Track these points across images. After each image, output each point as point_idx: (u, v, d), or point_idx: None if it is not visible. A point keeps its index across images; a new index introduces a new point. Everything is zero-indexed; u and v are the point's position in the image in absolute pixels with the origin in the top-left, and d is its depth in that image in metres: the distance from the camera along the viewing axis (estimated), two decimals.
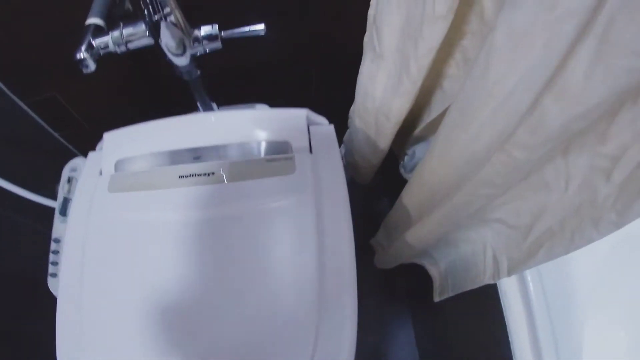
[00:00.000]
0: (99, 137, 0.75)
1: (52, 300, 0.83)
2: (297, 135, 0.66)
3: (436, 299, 0.77)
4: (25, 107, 0.88)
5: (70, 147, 1.06)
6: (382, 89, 0.59)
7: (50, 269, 0.79)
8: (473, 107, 0.41)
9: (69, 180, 0.82)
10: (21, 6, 0.67)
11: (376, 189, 0.98)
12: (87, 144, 0.77)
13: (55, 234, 0.79)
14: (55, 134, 1.02)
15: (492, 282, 0.60)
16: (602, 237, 0.41)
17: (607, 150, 0.39)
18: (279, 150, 0.67)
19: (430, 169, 0.53)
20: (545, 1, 0.32)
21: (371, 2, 0.55)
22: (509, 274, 0.56)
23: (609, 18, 0.29)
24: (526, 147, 0.37)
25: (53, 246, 0.79)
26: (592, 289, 0.72)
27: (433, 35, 0.46)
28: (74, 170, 0.83)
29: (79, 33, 0.61)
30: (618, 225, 0.39)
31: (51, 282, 0.78)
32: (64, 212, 0.80)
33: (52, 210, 0.87)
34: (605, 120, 0.38)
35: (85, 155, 0.75)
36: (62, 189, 0.82)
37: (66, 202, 0.80)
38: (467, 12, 0.52)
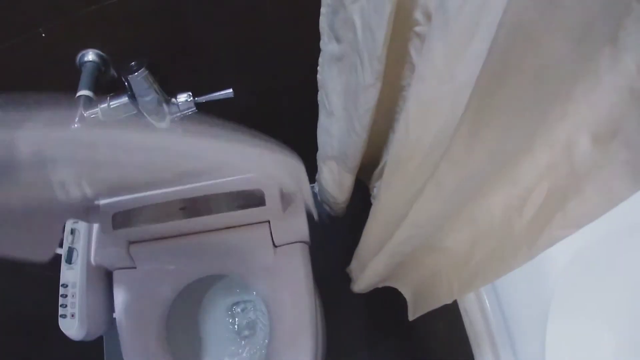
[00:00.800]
0: None
1: (61, 340, 0.86)
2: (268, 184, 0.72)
3: (410, 317, 0.80)
4: None
5: None
6: (337, 139, 0.64)
7: (60, 310, 0.81)
8: (403, 161, 0.45)
9: (72, 231, 0.86)
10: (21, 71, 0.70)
11: (355, 218, 1.02)
12: None
13: (63, 279, 0.82)
14: None
15: (448, 302, 0.63)
16: (520, 266, 0.44)
17: (517, 192, 0.43)
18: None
19: (378, 208, 0.57)
20: (445, 75, 0.36)
21: (318, 67, 0.59)
22: (459, 294, 0.59)
23: (481, 95, 0.33)
24: (435, 199, 0.41)
25: (62, 290, 0.82)
26: (548, 298, 0.75)
27: (367, 99, 0.50)
28: (75, 222, 0.86)
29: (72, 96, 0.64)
30: (530, 256, 0.42)
31: (62, 323, 0.81)
32: (69, 260, 0.83)
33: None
34: (512, 167, 0.42)
35: None
36: (66, 240, 0.86)
37: (71, 251, 0.84)
38: (401, 70, 0.56)
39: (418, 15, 0.47)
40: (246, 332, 1.00)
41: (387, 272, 0.70)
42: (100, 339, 1.31)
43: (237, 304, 1.01)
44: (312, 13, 0.55)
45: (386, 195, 0.53)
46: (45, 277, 0.97)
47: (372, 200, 0.89)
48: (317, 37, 0.56)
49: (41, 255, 0.59)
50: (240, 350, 0.98)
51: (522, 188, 0.43)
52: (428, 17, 0.46)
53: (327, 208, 0.92)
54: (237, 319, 1.01)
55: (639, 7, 0.26)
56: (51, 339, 1.01)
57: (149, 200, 0.74)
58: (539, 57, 0.26)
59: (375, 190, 0.86)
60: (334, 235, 1.20)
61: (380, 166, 0.77)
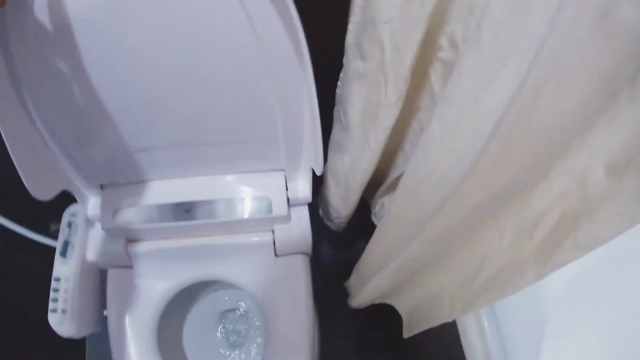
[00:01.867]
0: None
1: (46, 334, 0.86)
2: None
3: (405, 335, 0.82)
4: None
5: None
6: (349, 154, 0.66)
7: (51, 305, 0.82)
8: (419, 179, 0.48)
9: (70, 224, 0.87)
10: None
11: (352, 234, 1.05)
12: None
13: (56, 273, 0.83)
14: None
15: (448, 320, 0.66)
16: (528, 286, 0.47)
17: (529, 215, 0.46)
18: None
19: (388, 224, 0.60)
20: (472, 100, 0.39)
21: (338, 82, 0.62)
22: (462, 313, 0.61)
23: (512, 123, 0.36)
24: (454, 217, 0.44)
25: (54, 284, 0.82)
26: (543, 323, 0.78)
27: (387, 118, 0.53)
28: (73, 215, 0.87)
29: None
30: (539, 276, 0.45)
31: (51, 318, 0.81)
32: (64, 253, 0.84)
33: (44, 246, 0.92)
34: (526, 191, 0.45)
35: None
36: (62, 233, 0.86)
37: (66, 244, 0.84)
38: (420, 92, 0.59)
39: (443, 41, 0.50)
40: (237, 342, 1.01)
41: (388, 289, 0.73)
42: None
43: (227, 312, 1.03)
44: (329, 30, 0.57)
45: (399, 211, 0.55)
46: (32, 269, 0.98)
47: (373, 217, 0.91)
48: (332, 53, 0.58)
49: (39, 193, 0.64)
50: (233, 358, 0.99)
51: (535, 212, 0.46)
52: (453, 44, 0.50)
53: (328, 222, 0.94)
54: (227, 328, 1.02)
55: None
56: (35, 334, 1.01)
57: (155, 200, 0.76)
58: (569, 92, 0.30)
59: (377, 207, 0.88)
60: (329, 249, 1.22)
61: (385, 184, 0.80)
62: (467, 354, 0.68)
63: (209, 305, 1.01)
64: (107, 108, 0.61)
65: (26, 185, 0.62)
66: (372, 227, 0.87)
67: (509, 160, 0.36)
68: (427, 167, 0.46)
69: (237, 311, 1.02)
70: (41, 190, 0.64)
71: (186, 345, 0.96)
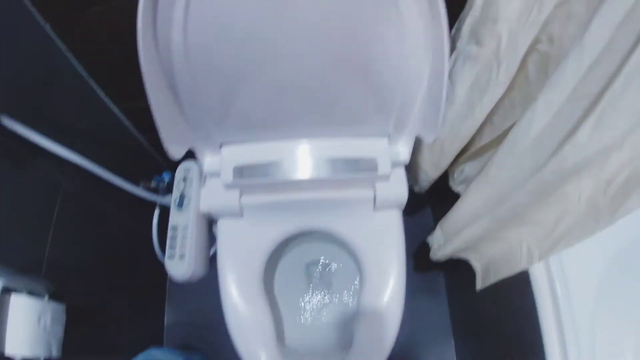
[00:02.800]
0: None
1: (131, 278, 1.11)
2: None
3: (479, 287, 1.01)
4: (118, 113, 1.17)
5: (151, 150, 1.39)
6: (450, 124, 0.88)
7: (169, 252, 1.02)
8: (520, 144, 0.70)
9: (184, 179, 1.08)
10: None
11: (426, 196, 1.26)
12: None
13: (173, 222, 1.03)
14: (140, 138, 1.31)
15: (526, 268, 0.84)
16: (601, 230, 0.69)
17: (604, 176, 0.68)
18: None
19: (485, 184, 0.81)
20: (570, 86, 0.61)
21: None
22: (539, 260, 0.81)
23: (603, 107, 0.58)
24: (554, 172, 0.65)
25: (171, 233, 1.02)
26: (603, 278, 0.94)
27: (495, 93, 0.74)
28: (187, 170, 1.08)
29: None
30: (610, 222, 0.67)
31: (169, 264, 1.01)
32: (181, 204, 1.05)
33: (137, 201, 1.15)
34: (604, 158, 0.67)
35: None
36: (177, 187, 1.07)
37: (182, 197, 1.06)
38: (516, 75, 0.80)
39: (542, 36, 0.71)
40: (321, 290, 1.25)
41: (473, 242, 0.94)
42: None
43: (312, 264, 1.26)
44: None
45: (497, 172, 0.77)
46: (124, 220, 1.25)
47: (451, 182, 1.13)
48: None
49: (174, 152, 0.84)
50: (317, 305, 1.24)
51: (609, 173, 0.67)
52: (550, 39, 0.70)
53: (414, 184, 1.17)
54: (312, 277, 1.26)
55: None
56: (122, 278, 1.27)
57: (273, 157, 0.94)
58: None
59: (456, 173, 1.10)
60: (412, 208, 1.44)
61: (468, 153, 1.01)
62: (538, 302, 0.89)
63: (296, 257, 1.24)
64: (253, 84, 0.77)
65: (165, 146, 0.80)
66: (446, 190, 1.10)
67: (602, 133, 0.58)
68: (529, 136, 0.68)
69: (320, 263, 1.27)
70: (175, 150, 0.84)
71: (277, 292, 1.20)
